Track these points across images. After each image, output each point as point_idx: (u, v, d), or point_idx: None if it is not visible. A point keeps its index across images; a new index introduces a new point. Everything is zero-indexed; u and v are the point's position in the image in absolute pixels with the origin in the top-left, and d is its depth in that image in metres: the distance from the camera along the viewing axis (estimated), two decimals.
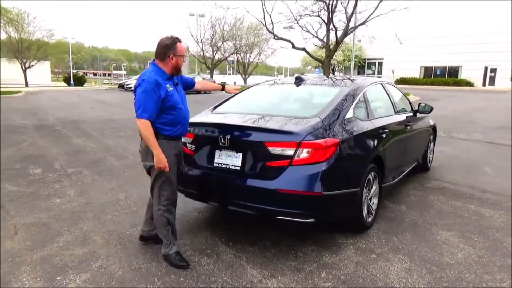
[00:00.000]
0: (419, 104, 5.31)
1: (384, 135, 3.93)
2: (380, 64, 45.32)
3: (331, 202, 3.17)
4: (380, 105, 4.48)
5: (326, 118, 3.32)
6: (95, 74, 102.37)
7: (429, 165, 6.12)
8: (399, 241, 3.49)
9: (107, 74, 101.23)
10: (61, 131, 9.96)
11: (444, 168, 6.24)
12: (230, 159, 3.30)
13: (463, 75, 39.38)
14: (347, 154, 3.31)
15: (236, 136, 3.26)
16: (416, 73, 42.21)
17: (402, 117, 4.73)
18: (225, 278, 2.85)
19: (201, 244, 3.41)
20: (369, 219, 3.72)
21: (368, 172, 3.58)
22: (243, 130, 3.31)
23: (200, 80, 3.53)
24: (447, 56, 39.35)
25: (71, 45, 58.86)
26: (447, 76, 40.62)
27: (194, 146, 3.55)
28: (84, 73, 74.30)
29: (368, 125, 3.73)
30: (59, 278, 2.83)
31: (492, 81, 38.04)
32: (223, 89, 3.70)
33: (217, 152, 3.38)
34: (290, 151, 3.03)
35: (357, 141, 3.50)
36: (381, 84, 4.78)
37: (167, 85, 2.93)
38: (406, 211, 4.25)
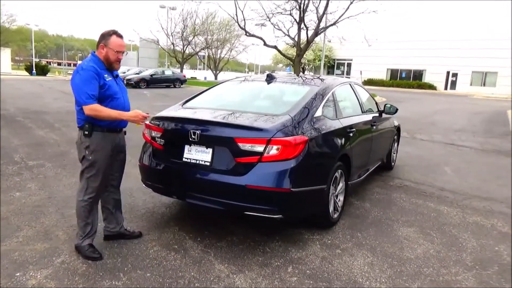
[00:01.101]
0: (385, 105, 5.49)
1: (351, 134, 4.04)
2: (349, 65, 46.36)
3: (299, 199, 3.23)
4: (348, 104, 4.59)
5: (295, 116, 3.38)
6: (59, 64, 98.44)
7: (393, 164, 6.34)
8: (363, 237, 3.61)
9: (72, 64, 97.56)
10: (22, 122, 9.53)
11: (407, 167, 6.49)
12: (200, 155, 3.28)
13: (426, 78, 41.03)
14: (315, 152, 3.38)
15: (206, 131, 3.25)
16: (383, 75, 43.53)
17: (368, 117, 4.87)
18: (192, 273, 2.84)
19: (168, 240, 3.38)
20: (335, 216, 3.82)
21: (335, 170, 3.67)
22: (214, 125, 3.30)
23: None
24: (412, 60, 40.85)
25: (34, 32, 56.34)
26: (412, 79, 42.17)
27: (163, 140, 3.50)
28: (47, 62, 71.09)
29: (336, 124, 3.82)
30: (18, 274, 2.73)
31: (454, 85, 39.90)
32: None
33: (186, 147, 3.36)
34: (260, 148, 3.06)
35: (325, 139, 3.58)
36: (350, 84, 4.90)
37: (105, 75, 2.93)
38: (370, 208, 4.39)
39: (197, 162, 3.28)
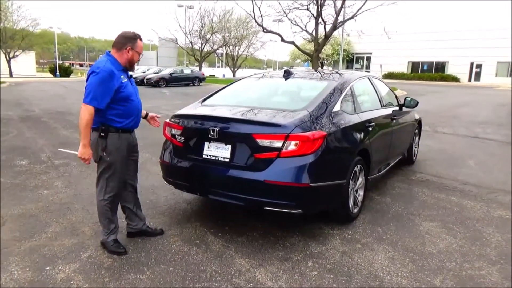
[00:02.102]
0: (405, 98, 5.41)
1: (370, 128, 4.01)
2: (369, 59, 45.63)
3: (318, 194, 3.24)
4: (367, 99, 4.55)
5: (314, 111, 3.38)
6: (81, 65, 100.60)
7: (414, 158, 6.24)
8: (384, 232, 3.59)
9: None
10: (48, 123, 9.84)
11: (429, 161, 6.38)
12: (219, 151, 3.33)
13: (449, 70, 39.95)
14: (334, 147, 3.37)
15: (225, 128, 3.29)
16: (404, 68, 42.65)
17: (388, 111, 4.81)
18: (214, 268, 2.90)
19: (190, 235, 3.45)
20: (355, 210, 3.81)
21: (355, 165, 3.65)
22: (232, 122, 3.34)
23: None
24: (434, 52, 39.83)
25: (57, 35, 57.77)
26: (434, 71, 41.15)
27: (183, 138, 3.57)
28: (70, 63, 72.83)
29: (355, 119, 3.80)
30: (48, 268, 2.85)
31: (478, 76, 38.73)
32: (145, 117, 3.47)
33: (206, 144, 3.41)
34: (278, 143, 3.08)
35: (344, 134, 3.57)
36: (368, 78, 4.86)
37: (122, 76, 2.97)
38: (391, 203, 4.35)
39: (217, 158, 3.33)
